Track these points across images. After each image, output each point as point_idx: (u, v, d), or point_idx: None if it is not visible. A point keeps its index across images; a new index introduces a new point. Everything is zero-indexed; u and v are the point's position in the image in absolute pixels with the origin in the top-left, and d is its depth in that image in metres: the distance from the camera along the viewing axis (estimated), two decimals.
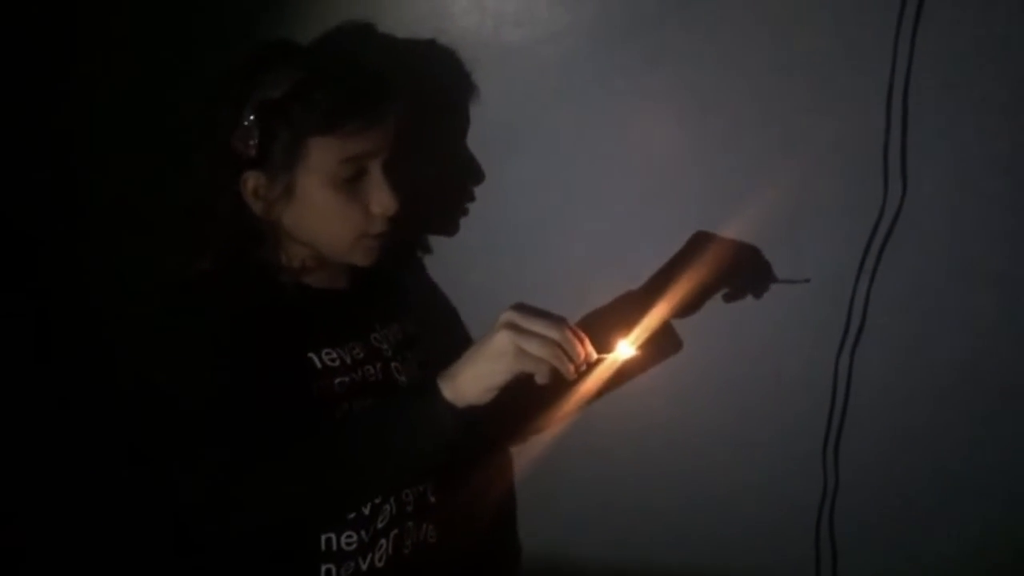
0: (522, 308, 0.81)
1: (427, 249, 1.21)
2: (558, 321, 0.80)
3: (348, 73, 0.90)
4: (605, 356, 0.86)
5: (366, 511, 0.93)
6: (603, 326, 0.87)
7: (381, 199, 0.92)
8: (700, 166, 1.12)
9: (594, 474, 1.24)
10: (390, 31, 1.14)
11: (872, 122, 1.04)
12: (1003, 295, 1.08)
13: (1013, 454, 1.12)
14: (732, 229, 1.12)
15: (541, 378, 0.80)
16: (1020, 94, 1.01)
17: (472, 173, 1.16)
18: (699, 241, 1.12)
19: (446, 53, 1.13)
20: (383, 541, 0.95)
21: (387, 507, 0.95)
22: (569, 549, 1.28)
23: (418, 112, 0.99)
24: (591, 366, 0.84)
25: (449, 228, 1.20)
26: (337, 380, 0.93)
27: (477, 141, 1.16)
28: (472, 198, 1.18)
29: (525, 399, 0.87)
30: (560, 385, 0.84)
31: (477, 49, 1.13)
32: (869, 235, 1.08)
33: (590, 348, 0.83)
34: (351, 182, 0.91)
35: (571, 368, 0.81)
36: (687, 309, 1.12)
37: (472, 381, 0.80)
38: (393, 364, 1.01)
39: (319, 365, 0.93)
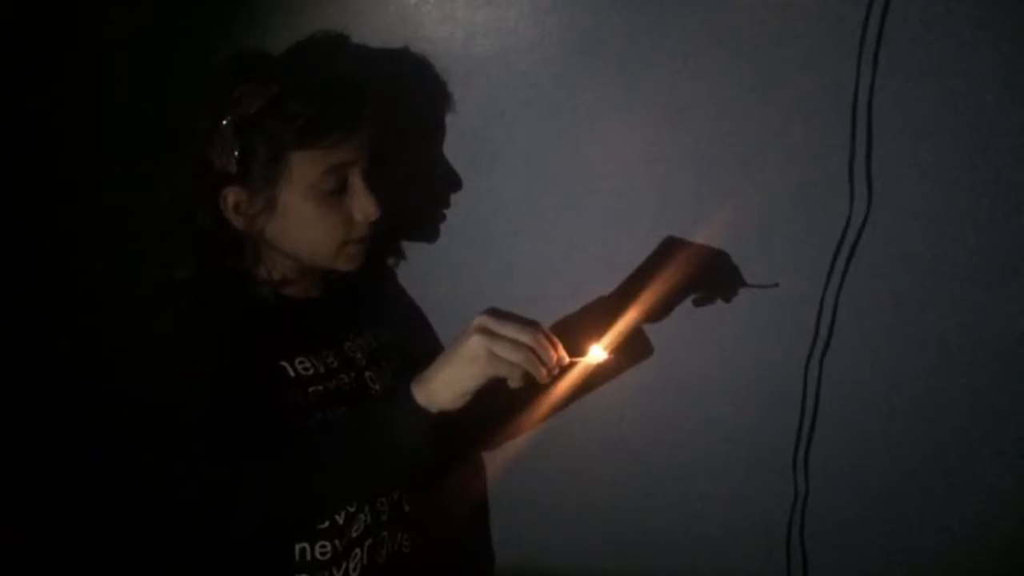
0: (495, 313, 0.81)
1: (401, 256, 1.22)
2: (531, 325, 0.81)
3: (323, 84, 0.91)
4: (578, 360, 0.87)
5: (340, 520, 0.93)
6: (575, 331, 0.88)
7: (363, 206, 0.93)
8: (668, 176, 1.13)
9: (565, 482, 1.25)
10: (362, 41, 1.14)
11: (837, 132, 1.05)
12: (968, 303, 1.09)
13: (981, 459, 1.13)
14: (700, 238, 1.12)
15: (514, 382, 0.81)
16: (983, 104, 1.03)
17: (443, 181, 1.17)
18: (670, 246, 1.13)
19: (417, 63, 1.14)
20: (357, 551, 0.95)
21: (361, 516, 0.95)
22: (540, 556, 1.28)
23: (391, 119, 0.99)
24: (564, 370, 0.84)
25: (421, 235, 1.21)
26: (311, 389, 0.93)
27: (448, 149, 1.17)
28: (445, 205, 1.19)
29: (497, 403, 0.87)
30: (533, 389, 0.84)
31: (448, 59, 1.14)
32: (836, 244, 1.09)
33: (562, 352, 0.83)
34: (333, 192, 0.92)
35: (544, 372, 0.81)
36: (658, 313, 1.13)
37: (445, 386, 0.80)
38: (367, 373, 1.01)
39: (292, 374, 0.93)
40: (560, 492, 1.25)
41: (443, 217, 1.20)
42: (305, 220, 0.92)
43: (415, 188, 1.17)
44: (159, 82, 1.10)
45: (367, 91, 0.93)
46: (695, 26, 1.07)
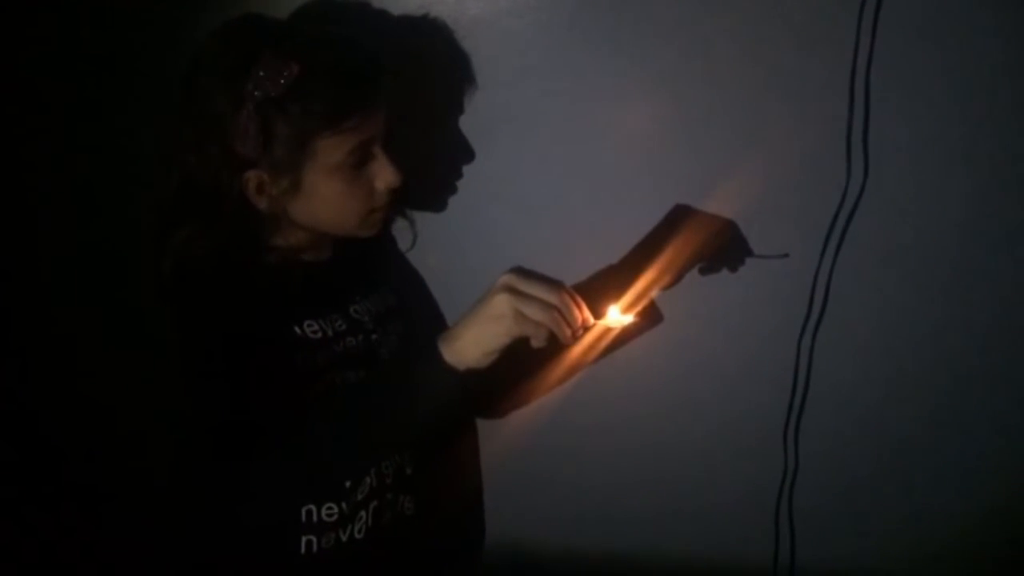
0: (521, 272, 0.81)
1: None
2: (556, 285, 0.81)
3: (344, 60, 0.88)
4: (600, 322, 0.86)
5: (347, 483, 0.94)
6: (589, 296, 0.86)
7: (386, 176, 0.93)
8: (660, 149, 1.12)
9: (555, 456, 1.24)
10: (352, 3, 1.11)
11: (834, 107, 1.05)
12: (963, 280, 1.10)
13: (972, 436, 1.15)
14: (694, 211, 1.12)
15: (538, 342, 0.81)
16: (980, 79, 1.03)
17: (442, 147, 1.14)
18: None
19: (408, 25, 1.11)
20: (363, 513, 0.96)
21: (367, 480, 0.96)
22: (529, 529, 1.28)
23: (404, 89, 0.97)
24: (585, 331, 0.84)
25: (424, 202, 1.18)
26: (319, 352, 0.93)
27: (443, 115, 1.14)
28: (440, 174, 1.16)
29: (517, 364, 0.86)
30: (554, 350, 0.84)
31: (439, 21, 1.11)
32: (831, 219, 1.09)
33: (587, 313, 0.83)
34: (356, 166, 0.91)
35: (568, 333, 0.81)
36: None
37: (472, 344, 0.80)
38: (374, 336, 1.01)
39: (302, 337, 0.93)
40: (549, 465, 1.24)
41: (440, 186, 1.18)
42: (331, 197, 0.91)
43: (417, 154, 1.13)
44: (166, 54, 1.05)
45: (384, 65, 0.91)
46: None
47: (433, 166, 1.15)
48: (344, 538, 0.95)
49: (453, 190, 1.17)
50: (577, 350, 0.91)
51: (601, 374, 1.18)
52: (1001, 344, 1.12)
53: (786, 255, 1.10)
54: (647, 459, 1.23)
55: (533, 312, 0.78)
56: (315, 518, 0.93)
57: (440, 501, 1.07)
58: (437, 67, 1.12)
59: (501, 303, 0.79)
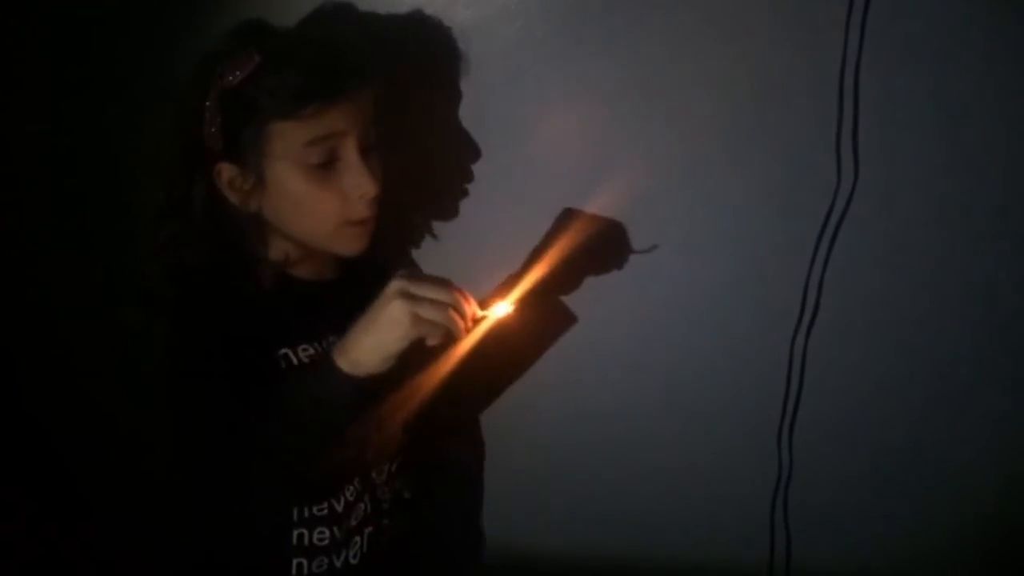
0: (410, 275, 0.80)
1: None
2: (446, 283, 0.80)
3: (304, 52, 0.87)
4: (487, 314, 0.87)
5: (339, 507, 0.93)
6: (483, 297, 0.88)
7: (357, 182, 0.88)
8: (650, 152, 1.12)
9: (549, 460, 1.24)
10: (343, 8, 1.11)
11: (824, 109, 1.06)
12: (955, 280, 1.11)
13: (965, 437, 1.15)
14: (686, 214, 1.13)
15: (434, 340, 0.80)
16: (968, 81, 1.04)
17: (434, 152, 1.14)
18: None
19: (396, 28, 1.10)
20: (357, 538, 0.95)
21: (362, 505, 0.95)
22: (524, 533, 1.28)
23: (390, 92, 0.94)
24: (476, 324, 0.85)
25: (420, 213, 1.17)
26: None
27: (433, 120, 1.14)
28: (431, 177, 1.16)
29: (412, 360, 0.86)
30: (448, 344, 0.84)
31: (427, 27, 1.10)
32: (823, 221, 1.10)
33: (475, 306, 0.84)
34: (324, 167, 0.87)
35: (463, 328, 0.81)
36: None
37: (369, 352, 0.79)
38: None
39: (295, 361, 0.91)
40: (544, 470, 1.24)
41: (430, 191, 1.18)
42: (295, 196, 0.89)
43: (408, 161, 1.13)
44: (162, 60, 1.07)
45: (356, 59, 0.89)
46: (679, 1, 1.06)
47: (424, 172, 1.16)
48: (338, 564, 0.94)
49: (444, 195, 1.18)
50: (467, 342, 0.90)
51: (597, 377, 1.19)
52: (994, 344, 1.12)
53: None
54: (642, 461, 1.23)
55: (428, 313, 0.78)
56: (306, 541, 0.92)
57: (440, 524, 1.09)
58: (426, 72, 1.12)
59: (396, 308, 0.78)
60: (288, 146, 0.86)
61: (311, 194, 0.88)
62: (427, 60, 1.12)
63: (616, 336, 1.18)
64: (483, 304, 0.87)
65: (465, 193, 1.16)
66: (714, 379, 1.18)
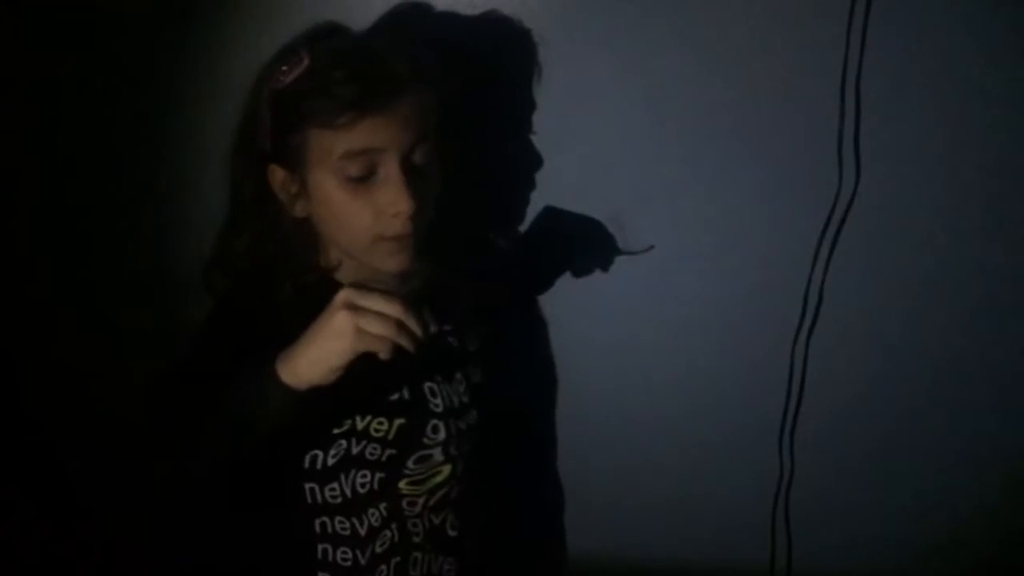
0: (358, 286, 0.77)
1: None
2: (394, 296, 0.77)
3: (352, 60, 0.84)
4: (447, 328, 0.88)
5: (362, 531, 0.92)
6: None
7: (393, 199, 0.84)
8: (651, 153, 1.12)
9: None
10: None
11: (826, 112, 1.06)
12: (957, 283, 1.11)
13: (968, 438, 1.15)
14: (687, 216, 1.12)
15: (384, 354, 0.77)
16: (970, 83, 1.04)
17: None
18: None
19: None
20: (383, 567, 0.94)
21: (388, 532, 0.93)
22: None
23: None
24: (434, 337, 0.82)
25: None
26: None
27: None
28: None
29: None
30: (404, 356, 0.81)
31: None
32: (824, 223, 1.10)
33: (430, 318, 0.79)
34: (362, 180, 0.84)
35: (411, 342, 0.77)
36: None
37: (312, 364, 0.77)
38: (428, 384, 0.95)
39: None
40: None
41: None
42: (331, 206, 0.86)
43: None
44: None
45: (407, 69, 0.84)
46: (682, 3, 1.06)
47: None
48: None
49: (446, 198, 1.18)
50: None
51: (598, 380, 1.19)
52: (997, 346, 1.12)
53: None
54: (644, 463, 1.23)
55: (373, 327, 0.75)
56: (330, 557, 0.93)
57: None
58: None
59: (341, 320, 0.75)
60: (324, 155, 0.84)
61: (346, 206, 0.86)
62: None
63: (616, 338, 1.18)
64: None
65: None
66: (716, 381, 1.18)
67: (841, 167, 1.07)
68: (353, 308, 0.75)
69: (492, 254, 1.10)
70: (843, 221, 1.09)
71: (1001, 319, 1.11)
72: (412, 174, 0.85)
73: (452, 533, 0.98)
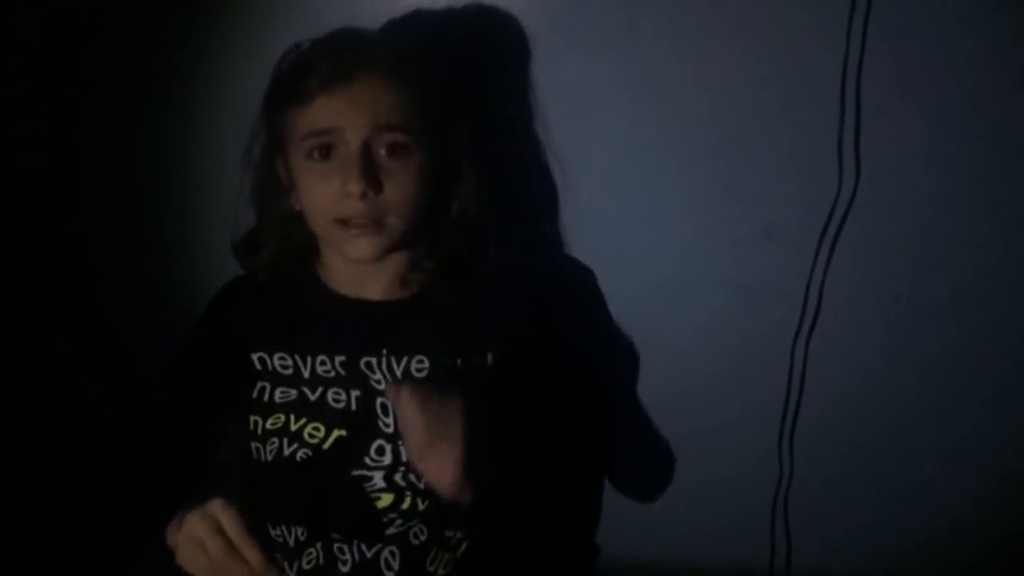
0: (223, 507, 0.69)
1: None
2: (257, 552, 0.68)
3: (333, 42, 0.86)
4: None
5: (290, 541, 0.87)
6: None
7: (343, 177, 0.82)
8: (650, 154, 1.11)
9: None
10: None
11: (825, 112, 1.05)
12: (957, 284, 1.10)
13: (968, 440, 1.15)
14: (685, 218, 1.12)
15: None
16: (970, 84, 1.04)
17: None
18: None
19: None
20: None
21: (312, 552, 0.87)
22: None
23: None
24: None
25: None
26: (279, 389, 0.89)
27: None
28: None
29: None
30: None
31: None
32: (824, 224, 1.09)
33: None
34: (325, 159, 0.84)
35: None
36: None
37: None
38: (380, 400, 0.87)
39: (270, 368, 0.90)
40: None
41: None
42: (300, 186, 0.87)
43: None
44: None
45: (381, 54, 0.85)
46: (681, 5, 1.06)
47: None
48: None
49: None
50: None
51: (595, 380, 1.18)
52: (997, 348, 1.12)
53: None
54: None
55: (196, 562, 0.69)
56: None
57: None
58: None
59: (185, 530, 0.70)
60: (295, 134, 0.85)
61: (309, 185, 0.86)
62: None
63: (615, 338, 1.18)
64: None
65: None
66: (714, 384, 1.18)
67: (841, 167, 1.07)
68: (205, 528, 0.69)
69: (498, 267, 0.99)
70: (843, 221, 1.09)
71: (1001, 319, 1.11)
72: (371, 158, 0.83)
73: (388, 574, 0.86)
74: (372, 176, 0.83)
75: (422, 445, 0.75)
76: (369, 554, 0.86)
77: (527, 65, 1.09)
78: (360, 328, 0.90)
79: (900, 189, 1.08)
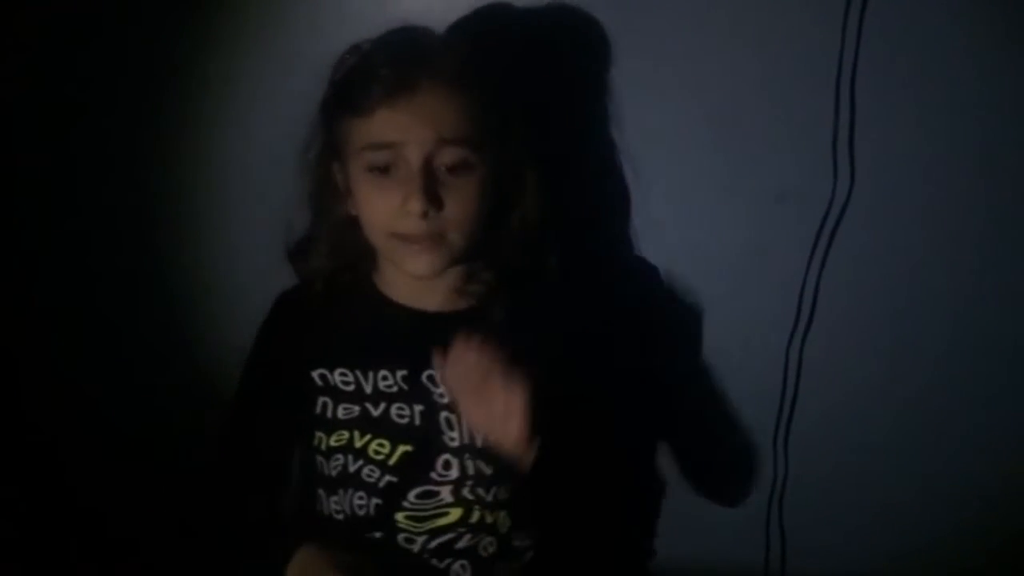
0: (329, 559, 0.81)
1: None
2: None
3: (394, 47, 0.83)
4: None
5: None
6: None
7: (404, 194, 0.80)
8: (645, 154, 1.11)
9: None
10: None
11: (820, 113, 1.06)
12: (953, 284, 1.10)
13: (964, 442, 1.15)
14: (679, 221, 1.12)
15: None
16: (965, 85, 1.04)
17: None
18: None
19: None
20: None
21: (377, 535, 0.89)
22: None
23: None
24: None
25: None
26: (342, 406, 0.88)
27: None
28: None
29: None
30: None
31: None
32: (818, 225, 1.09)
33: None
34: (385, 173, 0.82)
35: None
36: None
37: None
38: (444, 414, 0.87)
39: (331, 383, 0.89)
40: None
41: None
42: (358, 197, 0.84)
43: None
44: None
45: (445, 62, 0.82)
46: (676, 6, 1.07)
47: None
48: None
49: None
50: None
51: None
52: (993, 348, 1.12)
53: None
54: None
55: None
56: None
57: None
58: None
59: None
60: (355, 144, 0.82)
61: (367, 198, 0.84)
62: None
63: (614, 339, 1.18)
64: None
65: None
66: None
67: (836, 168, 1.07)
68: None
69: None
70: (838, 222, 1.09)
71: (998, 320, 1.11)
72: (433, 174, 0.81)
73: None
74: (433, 194, 0.80)
75: (480, 399, 0.74)
76: (440, 565, 0.86)
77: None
78: (420, 340, 0.86)
79: (896, 190, 1.08)
